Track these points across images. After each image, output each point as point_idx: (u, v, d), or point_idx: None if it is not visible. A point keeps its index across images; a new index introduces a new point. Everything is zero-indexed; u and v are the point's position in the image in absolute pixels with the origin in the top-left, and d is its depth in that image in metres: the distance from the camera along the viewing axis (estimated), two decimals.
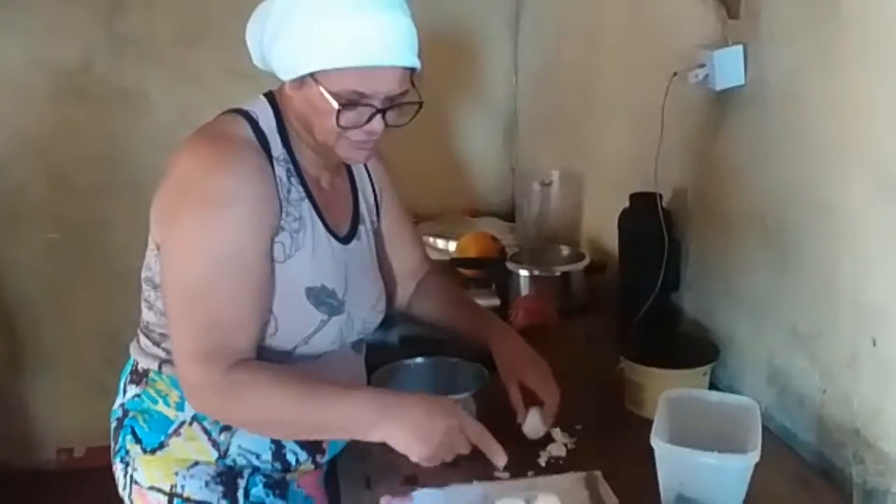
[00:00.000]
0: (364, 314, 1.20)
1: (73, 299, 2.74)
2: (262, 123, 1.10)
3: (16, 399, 2.75)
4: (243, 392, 1.02)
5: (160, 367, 1.13)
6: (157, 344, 1.14)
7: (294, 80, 1.06)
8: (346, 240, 1.18)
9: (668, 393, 1.20)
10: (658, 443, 1.08)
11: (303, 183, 1.13)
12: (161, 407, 1.13)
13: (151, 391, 1.14)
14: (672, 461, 1.09)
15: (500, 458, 1.07)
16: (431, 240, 2.25)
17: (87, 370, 2.75)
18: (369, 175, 1.29)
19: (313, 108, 1.06)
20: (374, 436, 1.03)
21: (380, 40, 1.01)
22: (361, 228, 1.23)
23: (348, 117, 1.05)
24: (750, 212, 1.41)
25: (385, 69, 1.03)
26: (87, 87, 2.54)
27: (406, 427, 1.01)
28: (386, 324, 1.34)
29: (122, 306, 2.75)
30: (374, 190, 1.29)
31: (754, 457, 1.05)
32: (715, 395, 1.24)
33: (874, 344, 1.10)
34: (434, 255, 2.19)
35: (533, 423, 1.25)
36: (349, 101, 1.03)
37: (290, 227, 1.09)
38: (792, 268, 1.29)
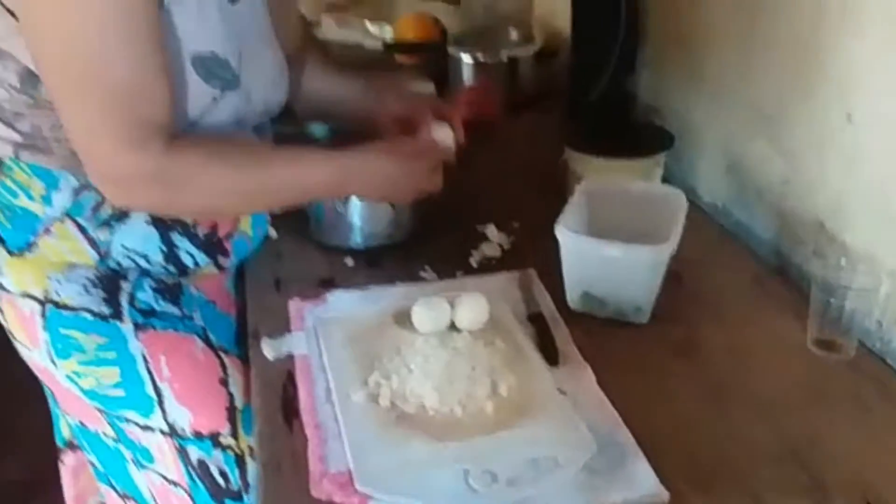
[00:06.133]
0: (264, 91, 1.02)
1: None
2: None
3: None
4: (193, 177, 0.90)
5: (16, 153, 0.96)
6: (9, 125, 0.96)
7: None
8: None
9: (587, 184, 1.08)
10: (563, 230, 0.97)
11: None
12: (24, 201, 0.97)
13: (8, 182, 0.97)
14: (577, 253, 0.98)
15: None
16: (367, 23, 2.01)
17: None
18: None
19: None
20: (345, 195, 1.11)
21: None
22: None
23: None
24: None
25: None
26: None
27: (372, 189, 1.03)
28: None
29: None
30: None
31: (665, 250, 0.93)
32: (638, 186, 1.10)
33: (849, 120, 0.96)
34: (367, 43, 1.98)
35: (442, 132, 1.08)
36: None
37: None
38: (763, 36, 1.13)
